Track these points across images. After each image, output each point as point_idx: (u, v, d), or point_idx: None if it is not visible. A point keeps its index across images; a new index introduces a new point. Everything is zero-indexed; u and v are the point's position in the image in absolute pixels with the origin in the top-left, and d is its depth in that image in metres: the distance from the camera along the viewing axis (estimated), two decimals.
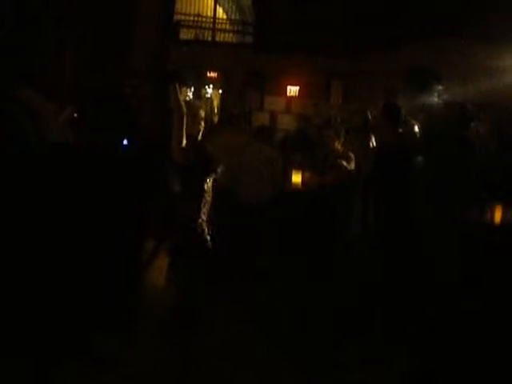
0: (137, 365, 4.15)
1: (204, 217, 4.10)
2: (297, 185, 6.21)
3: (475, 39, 11.04)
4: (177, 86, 3.89)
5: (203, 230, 4.09)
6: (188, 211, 4.05)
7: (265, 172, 6.35)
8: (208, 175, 4.07)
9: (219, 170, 4.13)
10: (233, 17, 19.05)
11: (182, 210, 4.09)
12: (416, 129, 6.28)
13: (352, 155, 6.08)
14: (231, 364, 4.27)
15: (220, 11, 18.35)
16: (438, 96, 9.48)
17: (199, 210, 4.05)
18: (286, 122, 11.98)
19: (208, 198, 4.10)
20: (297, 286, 5.47)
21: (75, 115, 5.59)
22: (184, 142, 3.96)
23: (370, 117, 6.86)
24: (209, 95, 16.91)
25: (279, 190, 6.27)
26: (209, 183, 4.09)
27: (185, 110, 3.92)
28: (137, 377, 3.99)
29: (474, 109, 5.02)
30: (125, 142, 6.14)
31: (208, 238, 4.12)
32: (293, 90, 15.60)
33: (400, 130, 5.27)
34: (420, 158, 5.12)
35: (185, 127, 3.93)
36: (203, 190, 4.06)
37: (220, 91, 16.98)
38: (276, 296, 5.43)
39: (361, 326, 4.83)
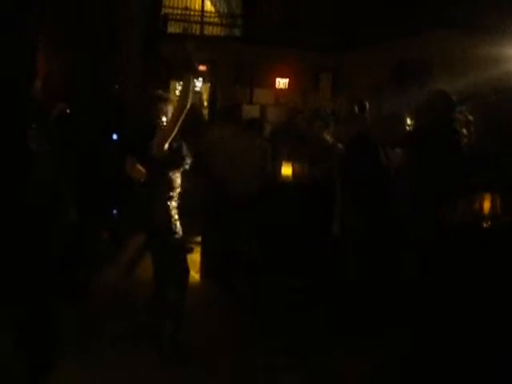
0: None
1: (175, 210, 4.10)
2: (287, 177, 6.24)
3: (465, 30, 11.05)
4: (191, 78, 3.82)
5: (174, 222, 4.09)
6: (156, 203, 4.05)
7: (255, 164, 6.36)
8: (177, 168, 4.07)
9: (187, 163, 4.12)
10: (221, 10, 18.98)
11: (150, 202, 4.07)
12: (407, 121, 6.29)
13: (341, 146, 6.10)
14: None
15: (208, 4, 18.26)
16: (426, 87, 9.50)
17: (169, 202, 4.04)
18: (276, 115, 11.98)
19: (176, 191, 4.09)
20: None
21: (68, 111, 5.55)
22: (168, 142, 3.92)
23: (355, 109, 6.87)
24: (198, 89, 16.84)
25: (269, 182, 6.29)
26: (178, 176, 4.09)
27: (189, 102, 3.83)
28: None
29: (459, 96, 5.04)
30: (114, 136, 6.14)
31: (179, 229, 4.12)
32: (282, 83, 15.59)
33: (367, 124, 5.33)
34: (404, 151, 5.12)
35: (179, 123, 3.85)
36: (172, 183, 4.06)
37: (209, 84, 16.92)
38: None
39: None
